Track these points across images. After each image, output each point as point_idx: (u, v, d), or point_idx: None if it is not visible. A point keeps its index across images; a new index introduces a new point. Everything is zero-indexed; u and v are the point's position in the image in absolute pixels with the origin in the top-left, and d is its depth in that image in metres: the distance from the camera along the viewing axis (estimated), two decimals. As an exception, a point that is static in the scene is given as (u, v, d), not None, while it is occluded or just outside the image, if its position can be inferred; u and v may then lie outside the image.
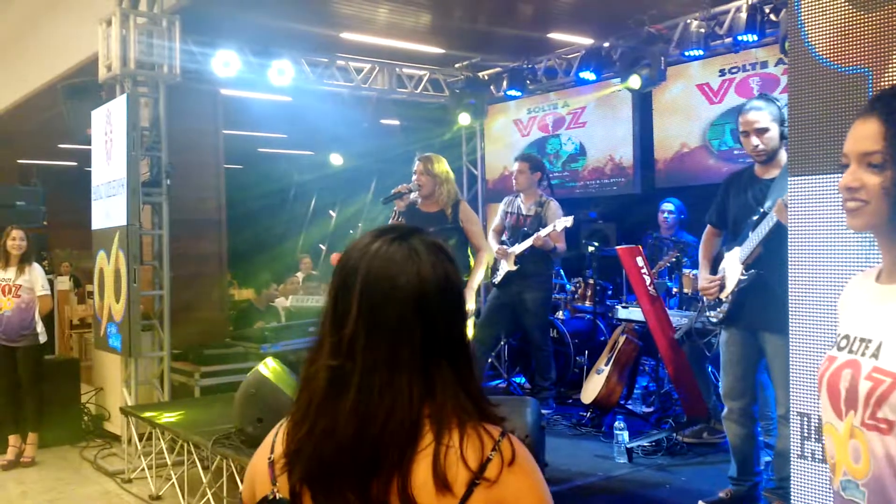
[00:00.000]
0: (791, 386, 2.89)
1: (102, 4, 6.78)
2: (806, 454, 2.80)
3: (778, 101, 3.88)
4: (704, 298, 4.12)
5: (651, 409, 5.90)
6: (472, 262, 5.11)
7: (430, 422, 1.19)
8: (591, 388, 5.53)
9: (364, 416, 1.18)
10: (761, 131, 3.76)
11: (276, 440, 1.32)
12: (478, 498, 1.16)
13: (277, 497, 1.28)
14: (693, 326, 4.93)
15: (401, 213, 5.34)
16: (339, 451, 1.19)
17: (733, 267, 3.88)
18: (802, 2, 2.81)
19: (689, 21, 6.73)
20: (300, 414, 1.25)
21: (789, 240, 2.92)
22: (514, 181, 6.05)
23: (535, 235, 5.64)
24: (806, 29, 2.80)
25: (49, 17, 8.67)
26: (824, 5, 2.75)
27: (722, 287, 3.93)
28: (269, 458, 1.31)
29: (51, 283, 7.05)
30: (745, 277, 3.79)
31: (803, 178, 2.83)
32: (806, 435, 2.80)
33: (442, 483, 1.15)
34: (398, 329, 1.21)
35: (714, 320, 4.04)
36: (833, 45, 2.74)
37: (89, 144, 7.11)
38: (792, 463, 2.88)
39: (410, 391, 1.19)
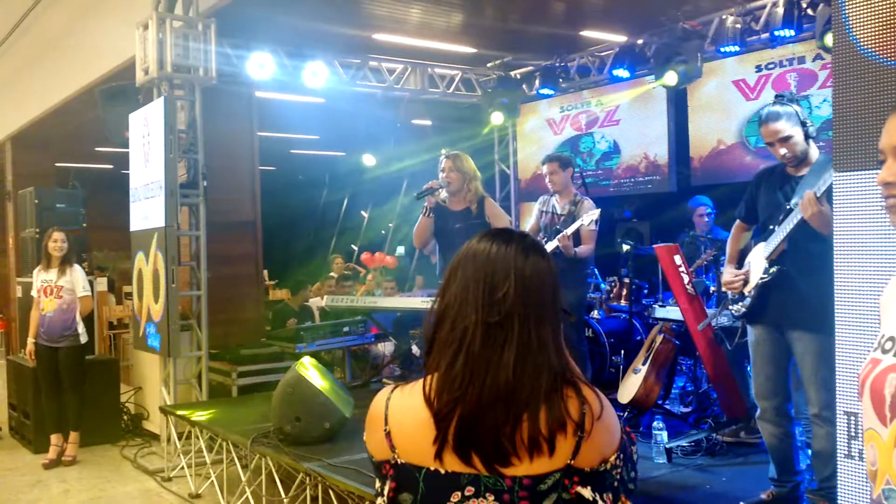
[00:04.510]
0: (837, 385, 2.84)
1: (139, 8, 6.87)
2: (853, 453, 2.75)
3: (796, 101, 3.81)
4: (729, 293, 4.09)
5: (689, 410, 5.84)
6: None
7: (560, 374, 1.48)
8: (629, 388, 5.48)
9: (523, 365, 1.45)
10: (785, 140, 3.71)
11: (390, 413, 1.53)
12: (585, 447, 1.44)
13: (399, 462, 1.51)
14: (719, 323, 4.88)
15: (431, 209, 5.45)
16: (498, 394, 1.44)
17: (758, 262, 3.86)
18: (847, -5, 2.77)
19: (724, 17, 6.67)
20: (455, 366, 1.48)
21: (834, 236, 2.88)
22: (549, 184, 5.96)
23: (560, 234, 5.56)
24: (850, 22, 2.76)
25: (86, 21, 8.79)
26: (869, -2, 2.71)
27: (746, 281, 3.91)
28: (385, 430, 1.53)
29: (91, 284, 7.16)
30: (769, 273, 3.76)
31: (848, 174, 2.78)
32: (853, 434, 2.75)
33: (562, 426, 1.42)
34: (543, 300, 1.51)
35: (737, 314, 4.01)
36: (878, 38, 2.69)
37: (126, 147, 7.20)
38: (839, 463, 2.84)
39: (555, 347, 1.49)
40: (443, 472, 1.47)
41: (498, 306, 1.48)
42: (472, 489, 1.45)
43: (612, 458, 1.48)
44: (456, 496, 1.45)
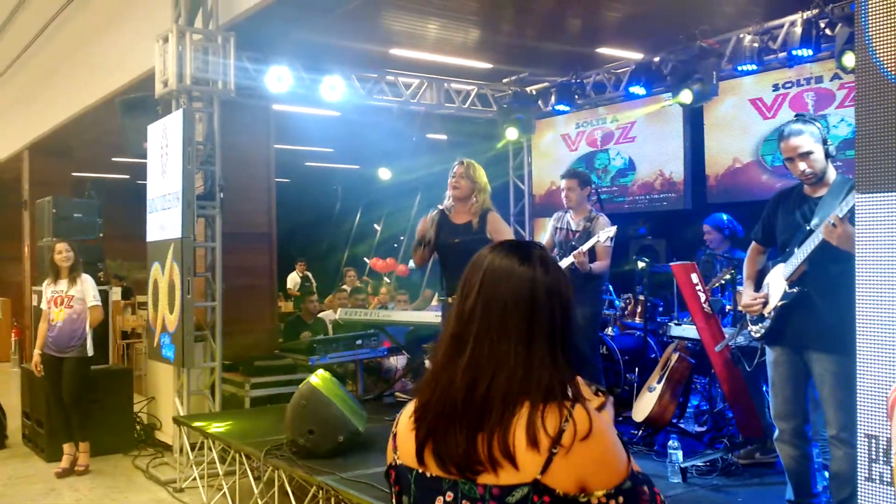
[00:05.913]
0: (858, 407, 2.82)
1: (159, 21, 6.94)
2: (874, 477, 2.73)
3: (817, 121, 3.82)
4: (747, 315, 4.07)
5: (704, 429, 5.80)
6: None
7: (526, 389, 1.42)
8: (644, 406, 5.46)
9: (475, 373, 1.45)
10: (805, 155, 3.70)
11: (400, 417, 1.60)
12: (557, 465, 1.37)
13: (397, 463, 1.57)
14: (736, 343, 4.86)
15: (433, 219, 5.34)
16: (454, 403, 1.45)
17: (777, 283, 3.84)
18: (870, 17, 2.76)
19: (741, 35, 6.67)
20: (429, 374, 1.53)
21: (857, 258, 2.86)
22: (564, 199, 5.97)
23: (576, 251, 5.56)
24: (874, 45, 2.76)
25: (107, 33, 8.88)
26: (892, 21, 2.71)
27: (765, 303, 3.89)
28: (393, 432, 1.60)
29: (105, 293, 7.17)
30: (789, 294, 3.74)
31: (872, 195, 2.77)
32: (874, 457, 2.73)
33: (532, 442, 1.38)
34: (509, 305, 1.47)
35: (756, 336, 3.99)
36: (902, 60, 2.68)
37: (143, 158, 7.25)
38: (860, 486, 2.81)
39: (513, 358, 1.44)
40: (428, 475, 1.51)
41: (463, 317, 1.50)
42: (452, 495, 1.47)
43: (600, 495, 1.38)
44: (439, 501, 1.49)
